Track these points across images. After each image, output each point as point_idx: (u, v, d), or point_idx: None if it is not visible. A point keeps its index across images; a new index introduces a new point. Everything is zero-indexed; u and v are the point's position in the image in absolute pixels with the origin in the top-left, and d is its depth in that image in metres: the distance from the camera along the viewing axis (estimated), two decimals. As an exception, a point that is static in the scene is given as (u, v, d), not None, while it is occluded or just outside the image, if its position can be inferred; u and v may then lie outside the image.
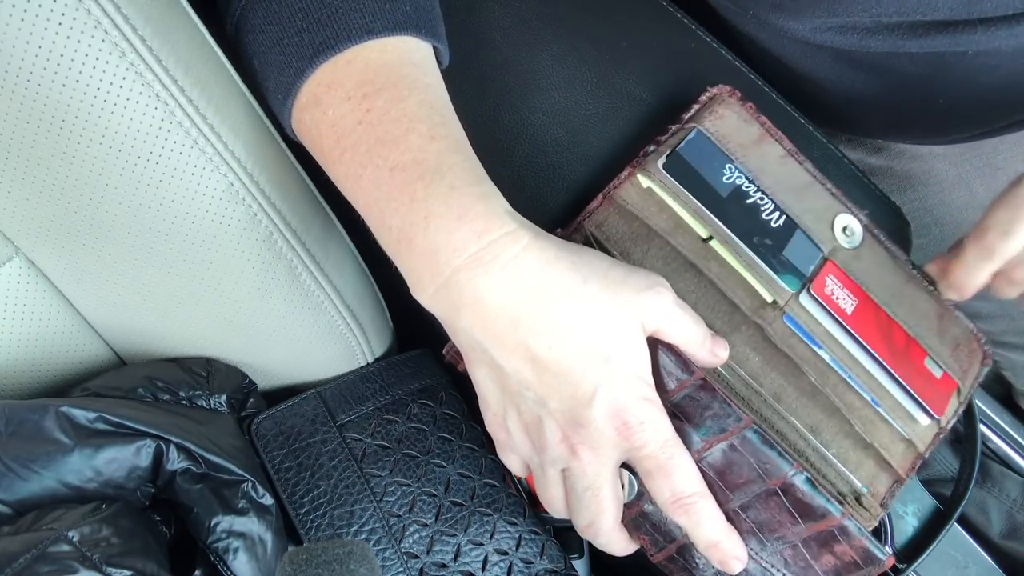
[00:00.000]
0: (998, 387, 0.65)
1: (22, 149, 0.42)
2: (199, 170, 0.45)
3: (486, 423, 0.45)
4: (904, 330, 0.47)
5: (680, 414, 0.43)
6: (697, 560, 0.45)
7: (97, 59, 0.40)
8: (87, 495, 0.46)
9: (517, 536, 0.54)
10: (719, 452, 0.42)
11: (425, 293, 0.40)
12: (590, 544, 0.61)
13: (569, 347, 0.38)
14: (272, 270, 0.51)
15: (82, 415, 0.46)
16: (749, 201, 0.47)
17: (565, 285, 0.38)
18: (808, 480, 0.41)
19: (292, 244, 0.50)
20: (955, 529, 0.57)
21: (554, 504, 0.45)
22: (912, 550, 0.53)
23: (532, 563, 0.53)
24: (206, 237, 0.47)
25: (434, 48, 0.43)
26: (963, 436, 0.57)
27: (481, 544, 0.53)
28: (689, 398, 0.42)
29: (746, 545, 0.43)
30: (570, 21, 0.55)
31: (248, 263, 0.49)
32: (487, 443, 0.57)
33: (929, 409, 0.46)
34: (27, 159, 0.43)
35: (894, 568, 0.53)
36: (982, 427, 0.59)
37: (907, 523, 0.54)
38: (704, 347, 0.42)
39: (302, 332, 0.55)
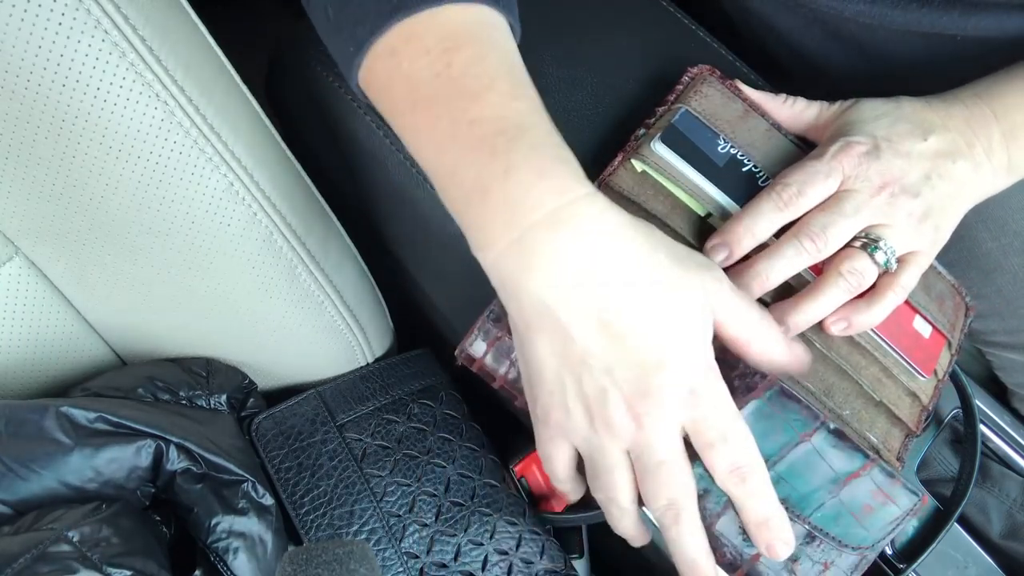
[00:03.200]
0: (995, 387, 0.65)
1: (22, 149, 0.42)
2: (199, 170, 0.45)
3: (537, 406, 0.43)
4: None
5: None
6: (732, 540, 0.45)
7: (97, 59, 0.40)
8: (87, 495, 0.46)
9: (517, 536, 0.54)
10: (748, 413, 0.43)
11: (494, 249, 0.39)
12: (590, 544, 0.61)
13: (641, 312, 0.38)
14: (272, 270, 0.51)
15: (82, 415, 0.46)
16: (745, 170, 0.48)
17: (639, 251, 0.39)
18: (837, 430, 0.43)
19: (292, 244, 0.50)
20: (955, 529, 0.57)
21: (617, 493, 0.42)
22: (912, 550, 0.53)
23: (532, 563, 0.53)
24: (206, 237, 0.47)
25: (509, 25, 0.43)
26: (963, 436, 0.57)
27: (481, 544, 0.53)
28: (718, 361, 0.42)
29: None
30: (570, 22, 0.55)
31: (248, 263, 0.49)
32: (487, 443, 0.57)
33: (919, 369, 0.48)
34: (27, 159, 0.43)
35: (894, 568, 0.53)
36: (982, 427, 0.59)
37: (907, 523, 0.54)
38: (778, 348, 0.42)
39: (302, 332, 0.55)
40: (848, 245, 0.45)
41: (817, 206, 0.45)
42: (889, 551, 0.53)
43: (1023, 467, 0.60)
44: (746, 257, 0.45)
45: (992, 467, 0.60)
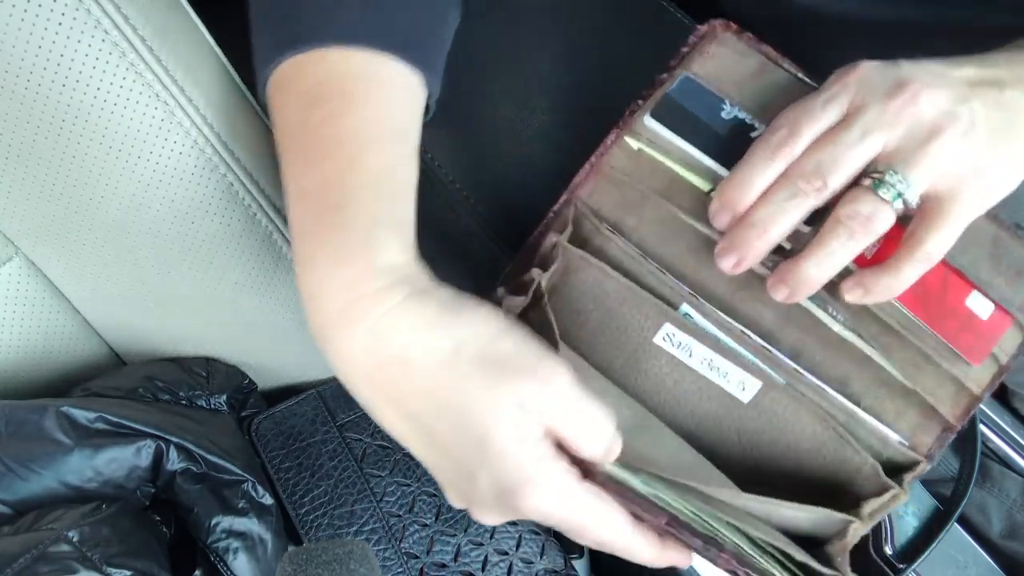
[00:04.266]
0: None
1: (22, 149, 0.42)
2: (199, 170, 0.45)
3: None
4: (943, 264, 0.40)
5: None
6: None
7: (97, 59, 0.40)
8: (87, 495, 0.46)
9: (517, 536, 0.54)
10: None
11: (312, 330, 0.36)
12: (590, 544, 0.61)
13: (439, 421, 0.34)
14: (272, 270, 0.51)
15: (82, 415, 0.46)
16: (754, 134, 0.42)
17: (433, 354, 0.34)
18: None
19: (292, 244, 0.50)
20: (955, 529, 0.57)
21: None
22: (912, 550, 0.53)
23: (532, 563, 0.53)
24: (206, 237, 0.47)
25: (423, 77, 0.40)
26: (963, 436, 0.57)
27: (481, 544, 0.53)
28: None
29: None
30: (570, 21, 0.55)
31: (248, 263, 0.49)
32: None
33: (963, 357, 0.41)
34: (27, 159, 0.43)
35: (894, 568, 0.53)
36: (982, 427, 0.59)
37: (907, 523, 0.54)
38: (600, 446, 0.36)
39: (302, 332, 0.55)
40: (856, 183, 0.38)
41: (817, 139, 0.38)
42: (889, 551, 0.53)
43: (1023, 467, 0.60)
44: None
45: (992, 467, 0.60)
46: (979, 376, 0.41)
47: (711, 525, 0.38)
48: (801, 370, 0.41)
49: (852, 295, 0.39)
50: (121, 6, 0.40)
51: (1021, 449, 0.61)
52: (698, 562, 0.55)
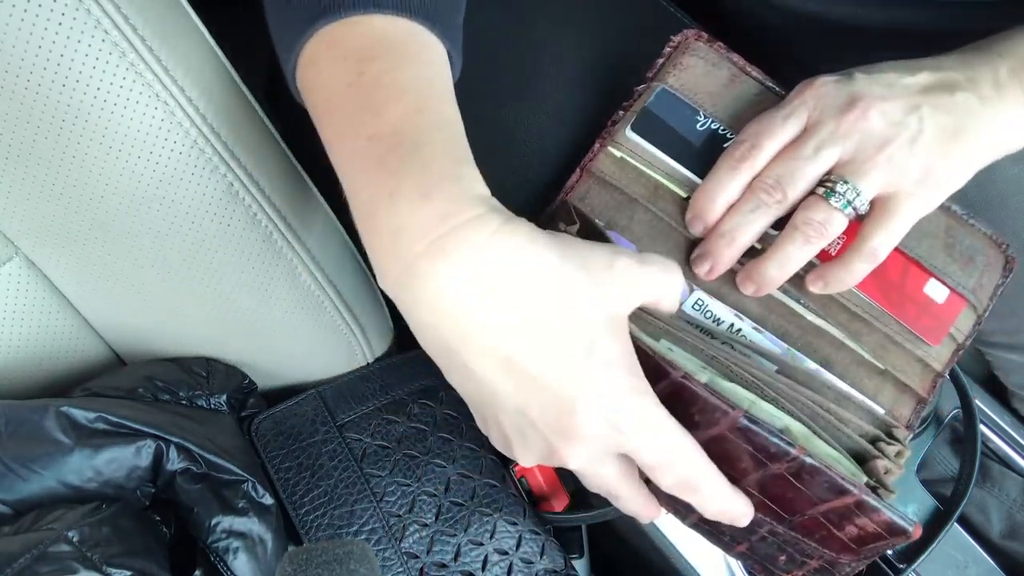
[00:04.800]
0: (995, 387, 0.65)
1: (22, 149, 0.42)
2: (199, 170, 0.45)
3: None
4: (902, 255, 0.46)
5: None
6: (721, 525, 0.44)
7: (97, 59, 0.40)
8: (87, 495, 0.46)
9: (517, 536, 0.54)
10: (715, 444, 0.40)
11: (387, 280, 0.35)
12: (590, 544, 0.61)
13: (546, 342, 0.34)
14: (272, 270, 0.51)
15: (82, 415, 0.46)
16: (727, 145, 0.45)
17: (539, 270, 0.34)
18: (814, 464, 0.39)
19: (292, 244, 0.50)
20: (955, 529, 0.57)
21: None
22: (912, 550, 0.53)
23: (532, 563, 0.53)
24: (206, 237, 0.47)
25: (447, 52, 0.41)
26: (963, 436, 0.57)
27: (481, 544, 0.53)
28: (672, 396, 0.39)
29: (764, 519, 0.42)
30: (570, 21, 0.55)
31: (248, 263, 0.49)
32: (487, 443, 0.57)
33: (924, 339, 0.45)
34: (27, 159, 0.43)
35: (894, 568, 0.53)
36: (982, 427, 0.59)
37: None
38: (674, 285, 0.39)
39: (302, 332, 0.55)
40: (813, 191, 0.42)
41: (778, 153, 0.42)
42: (889, 551, 0.53)
43: (1023, 467, 0.60)
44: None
45: (992, 467, 0.60)
46: (940, 354, 0.46)
47: (786, 408, 0.41)
48: (794, 351, 0.44)
49: (815, 287, 0.44)
50: (121, 6, 0.40)
51: (1021, 449, 0.61)
52: (698, 562, 0.56)
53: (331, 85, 0.37)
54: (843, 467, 0.41)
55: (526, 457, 0.39)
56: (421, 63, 0.38)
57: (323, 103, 0.38)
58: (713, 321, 0.45)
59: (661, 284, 0.39)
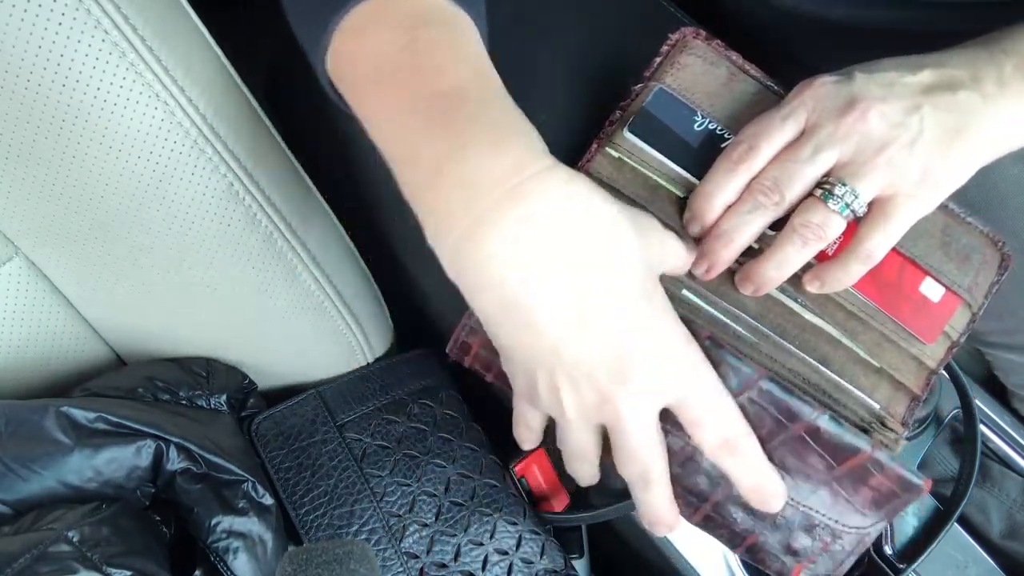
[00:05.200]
0: (995, 387, 0.65)
1: (22, 149, 0.42)
2: (199, 170, 0.45)
3: (515, 381, 0.42)
4: (898, 254, 0.46)
5: None
6: (734, 515, 0.45)
7: (97, 59, 0.40)
8: (87, 495, 0.46)
9: (517, 536, 0.54)
10: (739, 407, 0.41)
11: (451, 235, 0.35)
12: (590, 544, 0.61)
13: (613, 289, 0.36)
14: (272, 270, 0.51)
15: (82, 415, 0.46)
16: (724, 145, 0.45)
17: (604, 221, 0.36)
18: (832, 419, 0.41)
19: (292, 244, 0.50)
20: (955, 529, 0.57)
21: (584, 455, 0.42)
22: (912, 550, 0.53)
23: (532, 563, 0.53)
24: (206, 237, 0.47)
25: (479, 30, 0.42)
26: (963, 436, 0.57)
27: (481, 544, 0.53)
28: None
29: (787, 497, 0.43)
30: (570, 19, 0.55)
31: (248, 263, 0.49)
32: (487, 443, 0.57)
33: (919, 337, 0.45)
34: (27, 159, 0.43)
35: (894, 568, 0.53)
36: (982, 427, 0.59)
37: (907, 523, 0.54)
38: (690, 256, 0.43)
39: (302, 332, 0.55)
40: (811, 193, 0.42)
41: (776, 155, 0.42)
42: (889, 551, 0.53)
43: (1023, 467, 0.60)
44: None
45: (992, 467, 0.60)
46: (935, 352, 0.46)
47: (806, 361, 0.43)
48: (794, 348, 0.44)
49: (812, 286, 0.44)
50: (121, 6, 0.40)
51: (1021, 449, 0.61)
52: (698, 562, 0.56)
53: (383, 50, 0.37)
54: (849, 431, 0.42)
55: (573, 409, 0.39)
56: (469, 37, 0.39)
57: (373, 70, 0.38)
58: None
59: (682, 256, 0.42)
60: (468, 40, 0.39)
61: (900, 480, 0.41)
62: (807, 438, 0.41)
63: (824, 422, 0.41)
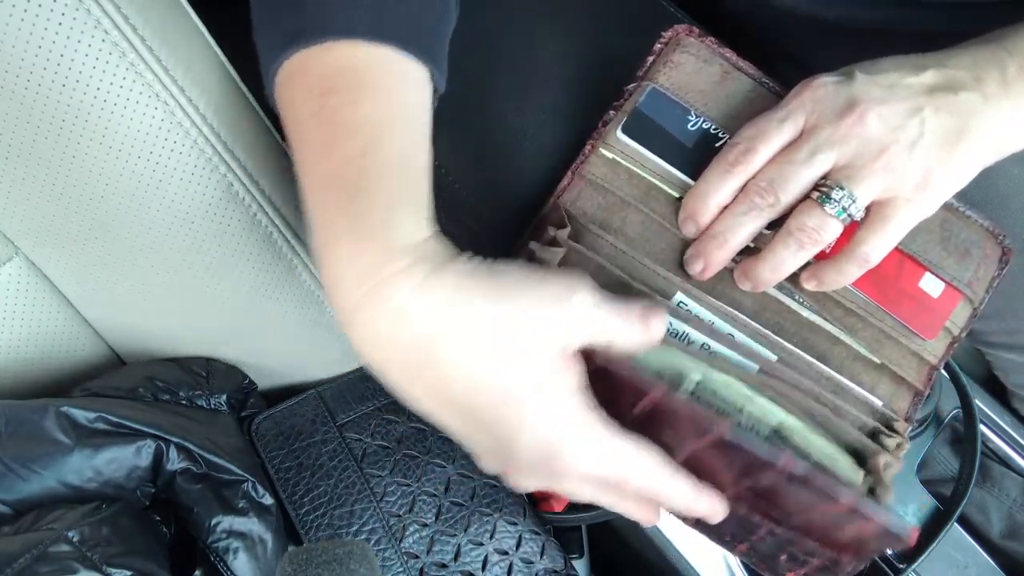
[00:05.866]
0: (995, 387, 0.65)
1: (22, 149, 0.42)
2: (199, 170, 0.45)
3: None
4: (897, 250, 0.45)
5: (649, 427, 0.40)
6: (722, 525, 0.45)
7: (97, 59, 0.40)
8: (87, 495, 0.46)
9: (517, 536, 0.54)
10: (703, 453, 0.39)
11: (336, 309, 0.36)
12: (590, 544, 0.61)
13: (484, 385, 0.35)
14: (272, 270, 0.51)
15: (82, 415, 0.46)
16: (718, 144, 0.45)
17: (468, 318, 0.34)
18: (804, 474, 0.38)
19: (292, 244, 0.50)
20: (955, 529, 0.57)
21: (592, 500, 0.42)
22: (912, 550, 0.53)
23: (532, 563, 0.53)
24: (206, 237, 0.47)
25: (429, 72, 0.40)
26: (963, 436, 0.57)
27: (481, 544, 0.53)
28: (656, 411, 0.39)
29: (763, 521, 0.42)
30: (568, 20, 0.55)
31: (248, 263, 0.49)
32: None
33: (919, 334, 0.45)
34: (27, 159, 0.43)
35: (894, 568, 0.53)
36: (982, 427, 0.59)
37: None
38: (633, 333, 0.38)
39: (303, 332, 0.55)
40: (807, 196, 0.41)
41: (773, 157, 0.42)
42: (889, 551, 0.53)
43: (1023, 467, 0.60)
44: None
45: (992, 467, 0.60)
46: (935, 348, 0.46)
47: (773, 414, 0.41)
48: (791, 346, 0.44)
49: (809, 284, 0.44)
50: (121, 6, 0.40)
51: (1021, 449, 0.61)
52: (698, 562, 0.56)
53: (297, 113, 0.38)
54: (839, 466, 0.41)
55: (528, 486, 0.40)
56: (380, 95, 0.37)
57: (291, 127, 0.38)
58: (684, 340, 0.44)
59: (613, 330, 0.37)
60: (375, 104, 0.37)
61: (883, 531, 0.38)
62: (781, 484, 0.39)
63: (800, 469, 0.38)
